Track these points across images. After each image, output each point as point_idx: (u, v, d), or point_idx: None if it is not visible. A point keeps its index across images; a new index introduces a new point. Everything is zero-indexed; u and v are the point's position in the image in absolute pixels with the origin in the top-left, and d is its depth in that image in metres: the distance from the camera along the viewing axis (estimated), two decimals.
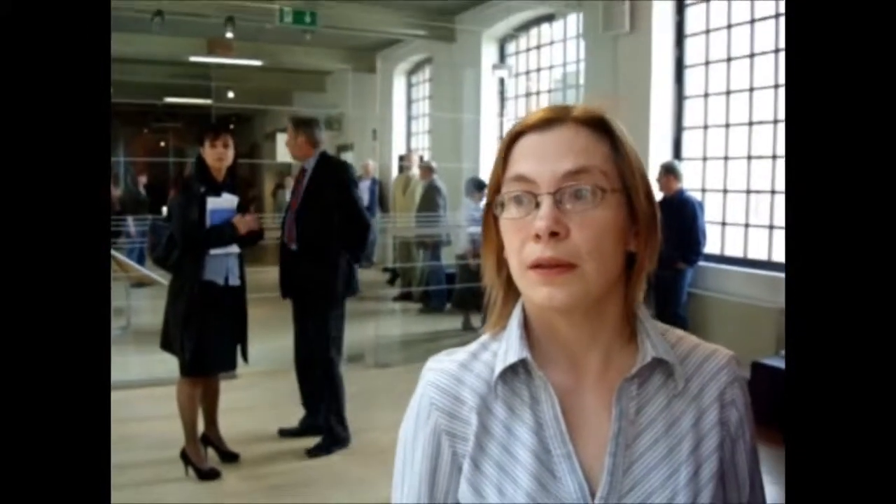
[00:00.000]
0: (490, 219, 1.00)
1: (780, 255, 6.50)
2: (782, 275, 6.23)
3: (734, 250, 7.01)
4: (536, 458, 0.96)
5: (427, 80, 12.78)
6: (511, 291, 1.02)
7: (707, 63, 7.29)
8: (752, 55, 6.78)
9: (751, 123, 6.81)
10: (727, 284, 6.75)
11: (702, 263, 6.75)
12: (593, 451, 0.96)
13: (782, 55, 6.43)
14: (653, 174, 6.87)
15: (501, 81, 10.51)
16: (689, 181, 7.02)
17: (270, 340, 5.67)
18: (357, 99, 11.06)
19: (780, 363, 5.40)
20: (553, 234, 0.90)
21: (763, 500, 1.04)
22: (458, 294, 8.44)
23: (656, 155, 7.26)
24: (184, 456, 4.31)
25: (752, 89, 6.78)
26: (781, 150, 6.47)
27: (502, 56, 10.68)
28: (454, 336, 8.06)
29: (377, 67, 12.03)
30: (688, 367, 1.01)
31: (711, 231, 6.93)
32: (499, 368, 0.99)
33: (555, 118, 0.96)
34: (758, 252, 6.75)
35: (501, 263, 1.01)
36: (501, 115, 10.56)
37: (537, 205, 0.92)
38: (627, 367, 0.97)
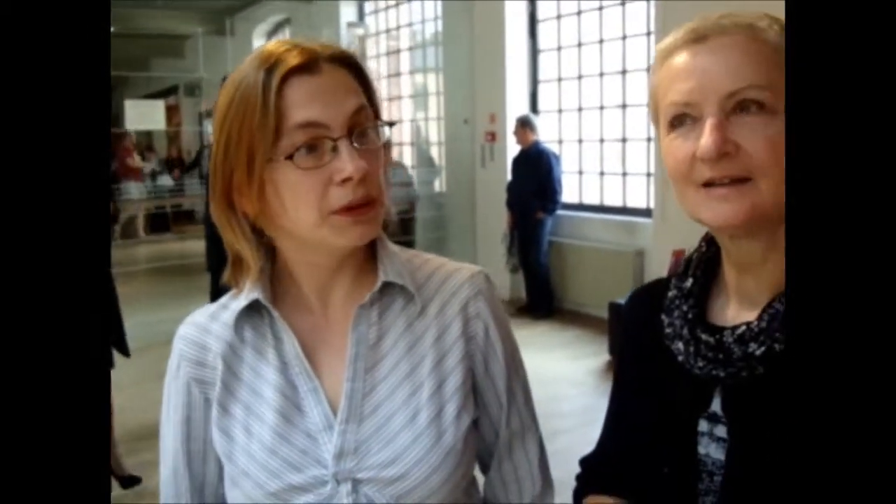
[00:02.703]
0: (245, 177, 0.92)
1: (633, 201, 6.79)
2: (637, 219, 6.53)
3: (591, 198, 7.27)
4: (282, 395, 0.99)
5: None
6: (259, 244, 1.00)
7: (559, 17, 7.45)
8: (601, 8, 6.98)
9: (601, 75, 7.03)
10: (585, 231, 6.99)
11: (560, 212, 6.98)
12: (339, 381, 0.99)
13: (629, 7, 6.67)
14: (510, 128, 7.04)
15: (361, 41, 10.41)
16: (547, 133, 7.22)
17: (142, 316, 5.52)
18: (213, 64, 10.71)
19: None
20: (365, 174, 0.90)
21: (527, 414, 1.09)
22: None
23: (513, 108, 7.43)
24: None
25: (601, 41, 6.99)
26: (630, 99, 6.73)
27: (361, 15, 10.59)
28: None
29: (230, 29, 11.67)
30: (429, 288, 1.04)
31: (569, 180, 7.17)
32: (237, 312, 1.00)
33: (313, 59, 0.92)
34: (613, 199, 7.03)
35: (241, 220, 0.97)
36: None
37: (333, 149, 0.90)
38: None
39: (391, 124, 0.98)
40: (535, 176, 6.68)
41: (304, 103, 0.90)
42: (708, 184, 0.83)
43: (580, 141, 7.37)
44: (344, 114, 0.90)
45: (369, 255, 1.03)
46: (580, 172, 7.37)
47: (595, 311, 6.28)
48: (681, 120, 0.85)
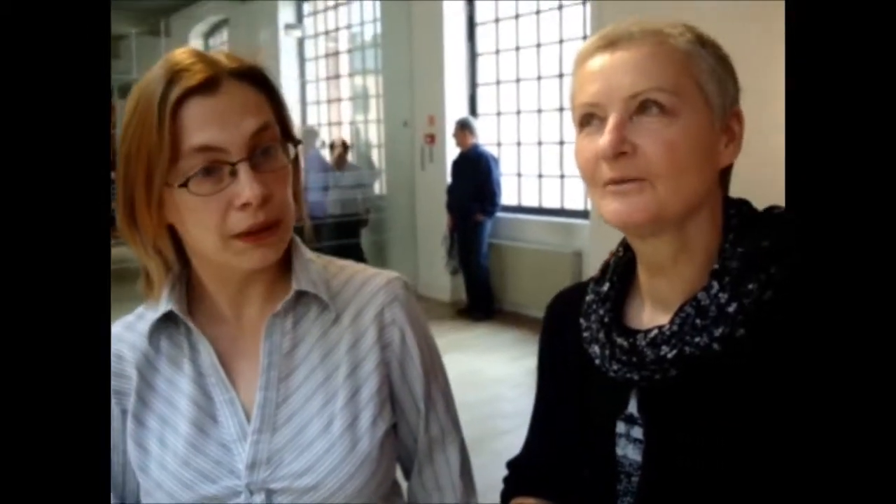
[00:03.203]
0: (143, 195, 0.89)
1: (571, 203, 6.87)
2: (575, 220, 6.60)
3: (530, 200, 7.33)
4: (196, 406, 0.98)
5: (225, 42, 12.34)
6: (163, 261, 0.98)
7: (497, 20, 7.50)
8: (538, 12, 7.05)
9: (539, 78, 7.10)
10: (525, 233, 7.05)
11: (500, 214, 7.02)
12: (255, 391, 0.98)
13: (566, 12, 6.74)
14: (449, 130, 7.06)
15: (300, 42, 10.33)
16: (486, 135, 7.26)
17: None
18: (147, 65, 10.38)
19: None
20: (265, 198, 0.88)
21: (447, 421, 1.08)
22: None
23: (452, 111, 7.45)
24: None
25: (539, 45, 7.06)
26: (568, 102, 6.77)
27: (300, 16, 10.50)
28: None
29: (165, 29, 11.45)
30: (345, 295, 1.02)
31: (508, 182, 7.21)
32: (151, 323, 0.99)
33: (214, 76, 0.88)
34: (551, 201, 7.10)
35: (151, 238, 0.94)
36: (302, 76, 10.41)
37: (232, 173, 0.87)
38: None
39: (297, 143, 0.95)
40: (475, 178, 6.71)
41: (201, 126, 0.86)
42: (609, 183, 0.84)
43: (519, 143, 7.43)
44: (243, 136, 0.87)
45: (284, 263, 1.01)
46: (519, 175, 7.43)
47: (534, 313, 6.33)
48: (588, 120, 0.87)
